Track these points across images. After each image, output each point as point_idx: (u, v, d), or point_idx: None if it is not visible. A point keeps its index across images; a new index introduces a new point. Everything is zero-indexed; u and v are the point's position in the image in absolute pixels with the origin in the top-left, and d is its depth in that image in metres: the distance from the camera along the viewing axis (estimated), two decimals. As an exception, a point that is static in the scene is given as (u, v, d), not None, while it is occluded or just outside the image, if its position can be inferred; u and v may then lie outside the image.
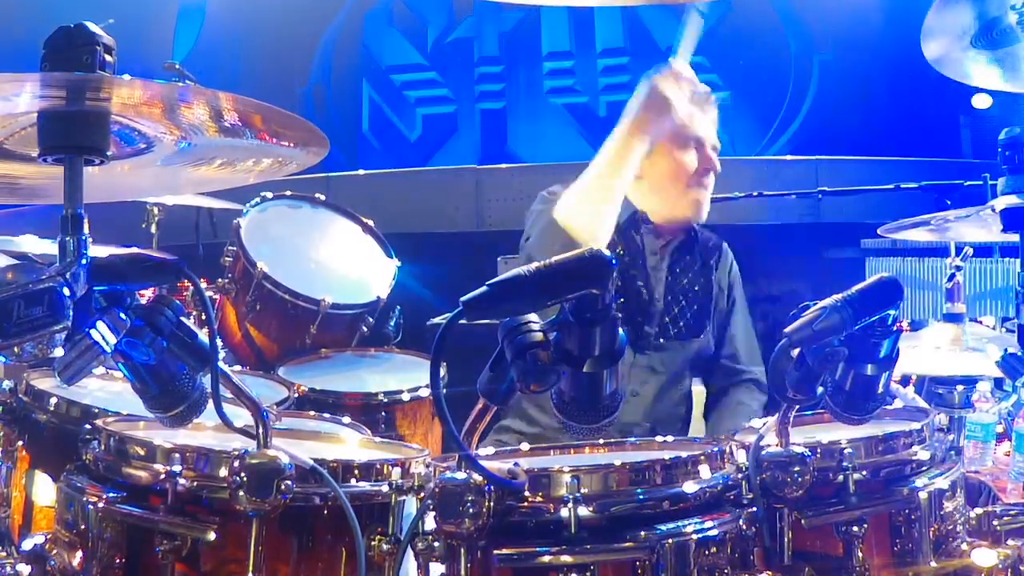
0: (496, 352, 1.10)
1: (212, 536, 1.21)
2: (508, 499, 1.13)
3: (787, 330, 1.20)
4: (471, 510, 1.10)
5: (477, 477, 1.11)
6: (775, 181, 4.29)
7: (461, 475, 1.12)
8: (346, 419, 1.93)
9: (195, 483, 1.24)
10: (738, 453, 1.31)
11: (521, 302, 1.07)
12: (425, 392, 2.45)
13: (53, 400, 1.73)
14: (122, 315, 1.13)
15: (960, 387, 2.30)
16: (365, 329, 2.78)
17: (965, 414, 2.30)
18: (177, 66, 4.05)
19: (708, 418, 2.55)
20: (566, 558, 1.10)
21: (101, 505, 1.26)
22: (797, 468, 1.24)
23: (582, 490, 1.14)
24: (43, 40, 1.20)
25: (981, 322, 2.80)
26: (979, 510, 1.43)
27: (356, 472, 1.31)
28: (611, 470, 1.19)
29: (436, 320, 3.45)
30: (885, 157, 4.94)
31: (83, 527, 1.28)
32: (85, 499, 1.28)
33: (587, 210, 2.14)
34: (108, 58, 1.20)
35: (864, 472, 1.31)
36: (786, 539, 1.26)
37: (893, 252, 3.85)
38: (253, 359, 2.72)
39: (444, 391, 1.15)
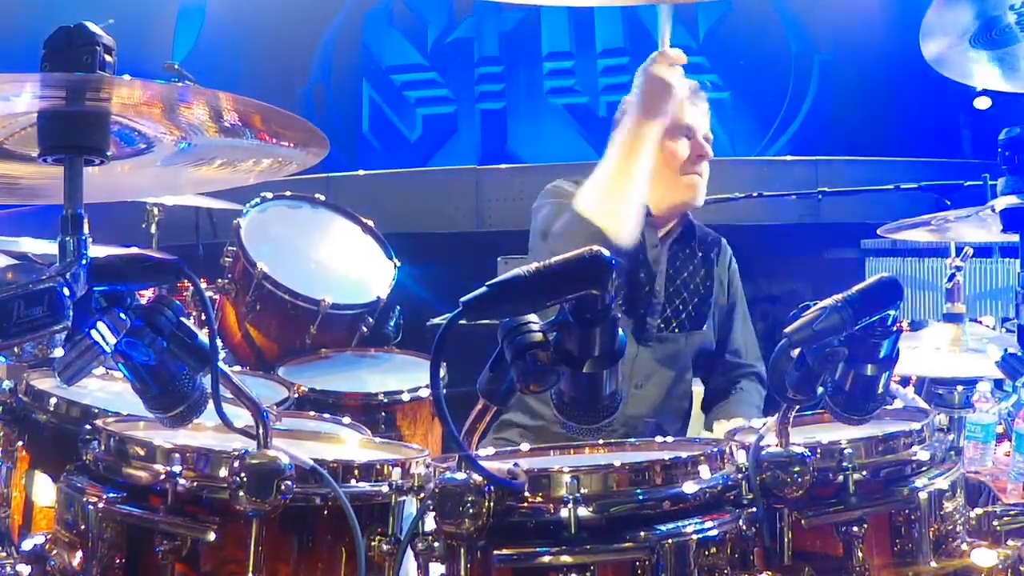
0: (496, 352, 1.10)
1: (212, 536, 1.21)
2: (508, 499, 1.13)
3: (787, 330, 1.20)
4: (471, 510, 1.10)
5: (477, 477, 1.11)
6: (775, 181, 4.29)
7: (461, 475, 1.12)
8: (346, 419, 1.93)
9: (195, 483, 1.24)
10: (738, 453, 1.31)
11: (521, 302, 1.07)
12: (425, 392, 2.45)
13: (53, 400, 1.73)
14: (122, 315, 1.13)
15: (960, 387, 2.30)
16: (365, 329, 2.77)
17: (965, 414, 2.30)
18: (177, 66, 4.06)
19: (709, 410, 2.56)
20: (566, 558, 1.10)
21: (101, 505, 1.26)
22: (797, 468, 1.24)
23: (582, 490, 1.14)
24: (43, 40, 1.20)
25: (981, 322, 2.80)
26: (979, 510, 1.43)
27: (356, 472, 1.31)
28: (611, 470, 1.19)
29: (436, 320, 3.45)
30: (885, 157, 4.94)
31: (83, 527, 1.28)
32: (85, 499, 1.28)
33: (610, 201, 2.14)
34: (108, 58, 1.20)
35: (864, 472, 1.31)
36: (786, 539, 1.26)
37: (893, 252, 3.85)
38: (253, 359, 2.72)
39: (444, 391, 1.15)
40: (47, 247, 2.80)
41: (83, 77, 1.17)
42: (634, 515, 1.15)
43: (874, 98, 5.72)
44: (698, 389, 2.64)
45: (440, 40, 6.44)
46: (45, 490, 1.69)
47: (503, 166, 5.48)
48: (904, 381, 2.54)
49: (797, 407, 1.27)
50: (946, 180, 3.53)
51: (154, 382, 1.19)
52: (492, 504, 1.11)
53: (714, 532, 1.17)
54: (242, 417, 1.26)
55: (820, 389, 1.26)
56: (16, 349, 1.13)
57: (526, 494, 1.15)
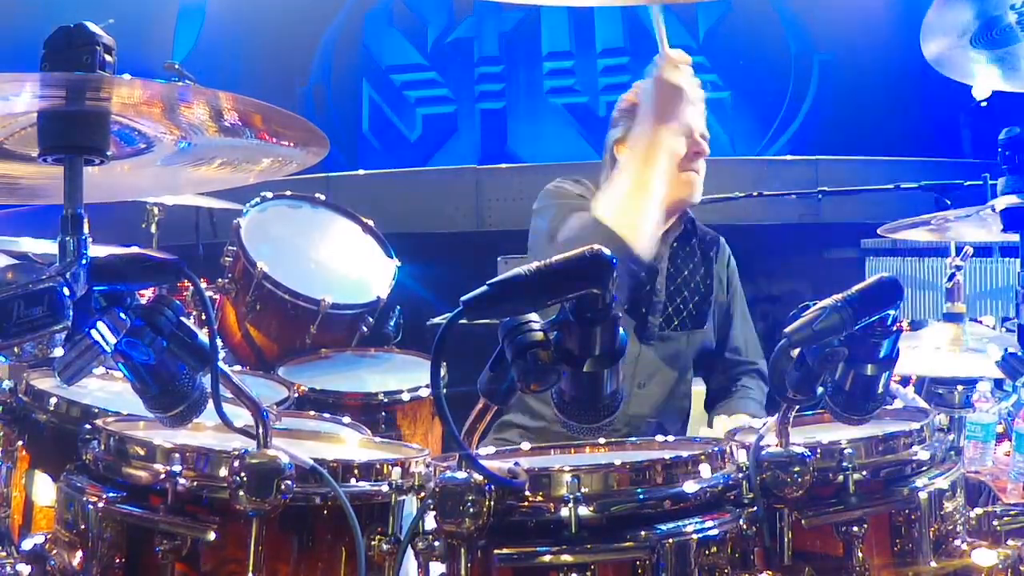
0: (496, 352, 1.10)
1: (212, 536, 1.21)
2: (508, 499, 1.13)
3: (787, 330, 1.20)
4: (471, 510, 1.10)
5: (477, 477, 1.11)
6: (775, 181, 4.29)
7: (461, 475, 1.12)
8: (346, 419, 1.93)
9: (195, 483, 1.24)
10: (738, 453, 1.31)
11: (521, 302, 1.07)
12: (425, 392, 2.45)
13: (53, 400, 1.73)
14: (122, 315, 1.13)
15: (960, 387, 2.30)
16: (365, 329, 2.78)
17: (965, 414, 2.30)
18: (177, 66, 4.06)
19: (711, 408, 2.57)
20: (566, 558, 1.10)
21: (101, 505, 1.26)
22: (797, 468, 1.24)
23: (582, 490, 1.14)
24: (43, 40, 1.20)
25: (981, 322, 2.80)
26: (979, 510, 1.43)
27: (356, 472, 1.31)
28: (611, 470, 1.19)
29: (436, 320, 3.45)
30: (885, 157, 4.94)
31: (83, 527, 1.27)
32: (85, 499, 1.28)
33: (631, 214, 2.13)
34: (108, 58, 1.20)
35: (864, 472, 1.31)
36: (786, 539, 1.26)
37: (893, 252, 3.85)
38: (253, 359, 2.72)
39: (444, 391, 1.15)
40: (47, 247, 2.80)
41: (83, 77, 1.17)
42: (635, 514, 1.15)
43: (874, 98, 5.72)
44: (699, 388, 2.64)
45: (440, 40, 6.44)
46: (45, 490, 1.69)
47: (503, 166, 5.48)
48: (904, 381, 2.54)
49: (797, 407, 1.27)
50: (946, 180, 3.53)
51: (154, 382, 1.19)
52: (492, 503, 1.11)
53: (714, 532, 1.17)
54: (242, 417, 1.26)
55: (820, 389, 1.26)
56: (16, 349, 1.13)
57: (527, 493, 1.15)
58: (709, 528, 1.17)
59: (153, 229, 3.78)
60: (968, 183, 3.41)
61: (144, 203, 3.71)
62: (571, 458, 1.48)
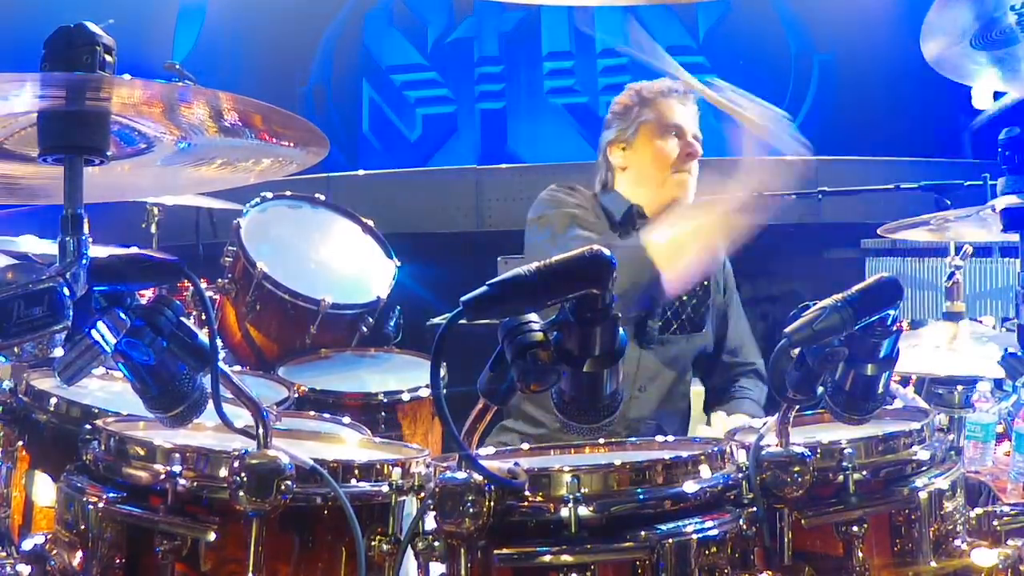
0: (496, 352, 1.10)
1: (212, 536, 1.21)
2: (508, 499, 1.13)
3: (787, 330, 1.20)
4: (471, 510, 1.10)
5: (477, 477, 1.11)
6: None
7: (461, 475, 1.12)
8: (346, 419, 1.93)
9: (195, 483, 1.24)
10: (738, 453, 1.31)
11: (521, 302, 1.07)
12: (425, 392, 2.45)
13: (53, 400, 1.73)
14: (122, 315, 1.13)
15: (960, 387, 2.30)
16: (365, 329, 2.78)
17: (965, 414, 2.30)
18: (177, 66, 4.05)
19: (710, 409, 2.57)
20: (566, 558, 1.10)
21: (101, 505, 1.26)
22: (797, 468, 1.24)
23: (582, 490, 1.14)
24: (43, 40, 1.20)
25: (981, 322, 2.80)
26: (979, 510, 1.43)
27: (356, 472, 1.31)
28: (611, 470, 1.19)
29: (436, 320, 3.45)
30: (885, 157, 4.94)
31: (83, 527, 1.27)
32: (85, 499, 1.28)
33: (681, 251, 2.17)
34: (108, 58, 1.20)
35: (864, 472, 1.31)
36: (786, 539, 1.26)
37: (893, 252, 3.85)
38: (253, 359, 2.72)
39: (444, 391, 1.15)
40: (47, 247, 2.80)
41: (83, 77, 1.17)
42: (635, 514, 1.15)
43: (874, 98, 5.72)
44: (698, 389, 2.64)
45: (440, 40, 6.44)
46: (45, 490, 1.69)
47: (503, 166, 5.48)
48: (904, 381, 2.54)
49: (797, 407, 1.27)
50: (946, 180, 3.53)
51: (154, 382, 1.19)
52: (492, 503, 1.11)
53: (714, 532, 1.17)
54: (242, 417, 1.26)
55: (820, 389, 1.26)
56: (16, 349, 1.13)
57: (526, 493, 1.15)
58: (709, 528, 1.16)
59: (153, 229, 3.78)
60: (968, 183, 3.41)
61: (144, 203, 3.71)
62: (571, 458, 1.48)
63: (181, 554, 1.21)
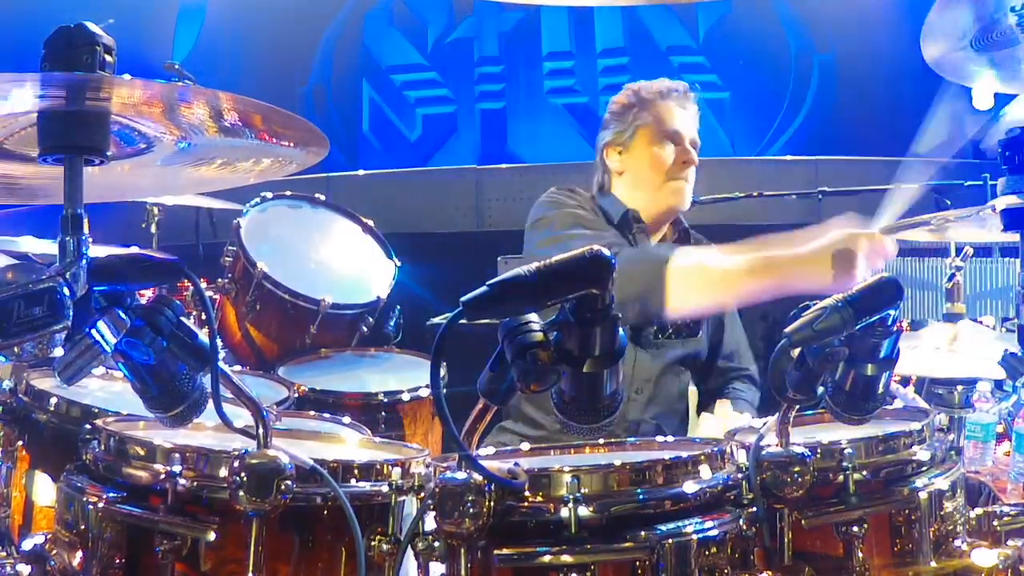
0: (496, 352, 1.10)
1: (212, 536, 1.21)
2: (508, 499, 1.13)
3: (787, 330, 1.20)
4: (471, 510, 1.10)
5: (477, 477, 1.11)
6: (775, 181, 4.29)
7: (461, 475, 1.12)
8: (346, 419, 1.93)
9: (195, 483, 1.24)
10: (738, 453, 1.31)
11: (521, 302, 1.07)
12: (425, 392, 2.45)
13: (53, 400, 1.73)
14: (122, 315, 1.13)
15: (960, 387, 2.30)
16: (365, 329, 2.78)
17: (965, 414, 2.30)
18: (177, 66, 4.06)
19: (702, 411, 2.57)
20: (566, 558, 1.10)
21: (101, 505, 1.26)
22: (797, 468, 1.24)
23: (582, 490, 1.14)
24: (43, 40, 1.20)
25: (981, 322, 2.80)
26: (979, 510, 1.43)
27: (356, 472, 1.31)
28: (611, 470, 1.18)
29: (436, 320, 3.45)
30: (885, 157, 4.94)
31: (83, 527, 1.27)
32: (85, 499, 1.28)
33: (703, 286, 2.11)
34: (108, 58, 1.20)
35: (864, 472, 1.30)
36: (786, 539, 1.26)
37: (893, 252, 3.84)
38: (253, 359, 2.72)
39: (444, 391, 1.15)
40: (47, 247, 2.80)
41: (83, 77, 1.17)
42: (635, 515, 1.15)
43: (874, 98, 5.73)
44: (693, 389, 2.64)
45: (440, 40, 6.44)
46: (45, 490, 1.69)
47: (503, 166, 5.48)
48: (904, 381, 2.54)
49: (797, 407, 1.27)
50: (946, 180, 3.53)
51: (154, 382, 1.19)
52: (492, 504, 1.11)
53: (714, 532, 1.17)
54: (242, 417, 1.26)
55: (820, 389, 1.26)
56: (16, 349, 1.13)
57: (526, 494, 1.15)
58: (709, 528, 1.16)
59: (153, 229, 3.78)
60: (968, 183, 3.41)
61: (144, 203, 3.71)
62: (571, 458, 1.48)
63: (181, 554, 1.21)
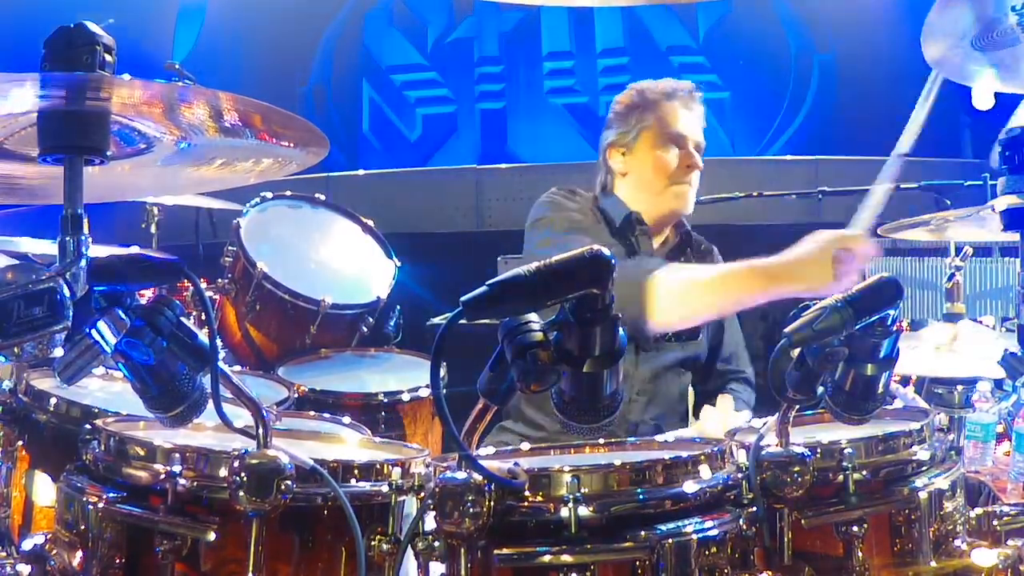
0: (496, 352, 1.10)
1: (212, 536, 1.20)
2: (508, 499, 1.13)
3: (787, 330, 1.20)
4: (471, 510, 1.10)
5: (477, 477, 1.11)
6: (775, 181, 4.29)
7: (461, 475, 1.12)
8: (346, 419, 1.93)
9: (195, 483, 1.24)
10: (738, 453, 1.31)
11: (521, 302, 1.07)
12: (425, 392, 2.45)
13: (53, 400, 1.73)
14: (122, 315, 1.13)
15: (960, 387, 2.30)
16: (365, 329, 2.78)
17: (965, 414, 2.30)
18: (177, 66, 4.06)
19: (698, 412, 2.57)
20: (566, 558, 1.10)
21: (101, 505, 1.26)
22: (797, 468, 1.24)
23: (582, 490, 1.14)
24: (43, 40, 1.20)
25: (981, 322, 2.80)
26: (979, 510, 1.43)
27: (356, 472, 1.31)
28: (611, 470, 1.18)
29: (436, 320, 3.45)
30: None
31: (83, 527, 1.27)
32: (85, 499, 1.28)
33: (685, 300, 2.10)
34: (108, 58, 1.20)
35: (864, 472, 1.30)
36: (786, 539, 1.26)
37: (893, 252, 3.84)
38: (253, 359, 2.72)
39: (444, 391, 1.15)
40: (47, 247, 2.80)
41: (83, 77, 1.17)
42: (635, 514, 1.15)
43: (874, 98, 5.72)
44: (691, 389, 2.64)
45: (440, 40, 6.44)
46: (45, 490, 1.69)
47: (503, 166, 5.48)
48: (904, 381, 2.54)
49: (797, 407, 1.27)
50: (946, 180, 3.53)
51: (154, 382, 1.19)
52: (492, 503, 1.11)
53: (714, 532, 1.17)
54: (242, 417, 1.25)
55: (820, 389, 1.26)
56: (16, 349, 1.13)
57: (526, 493, 1.15)
58: (709, 528, 1.16)
59: (153, 229, 3.78)
60: (968, 183, 3.41)
61: (144, 203, 3.71)
62: (571, 458, 1.48)
63: (181, 554, 1.21)
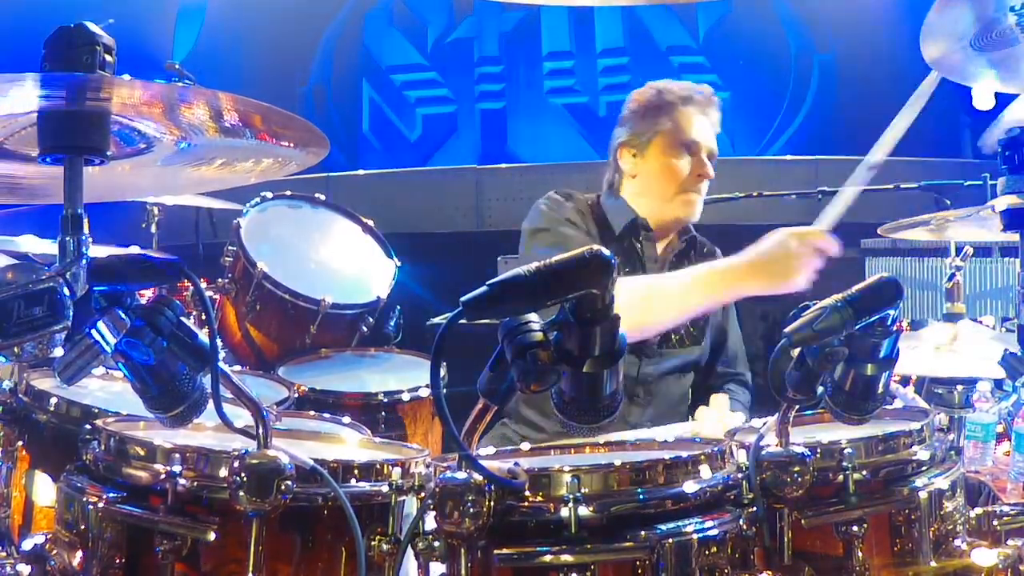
0: (496, 352, 1.10)
1: (212, 536, 1.20)
2: (508, 499, 1.13)
3: (787, 330, 1.20)
4: (471, 510, 1.10)
5: (477, 477, 1.11)
6: (775, 181, 4.29)
7: (461, 475, 1.12)
8: (346, 419, 1.93)
9: (195, 483, 1.24)
10: (738, 453, 1.31)
11: (521, 302, 1.07)
12: (425, 392, 2.45)
13: (53, 400, 1.73)
14: (122, 315, 1.13)
15: (960, 387, 2.30)
16: (365, 329, 2.78)
17: (965, 414, 2.30)
18: (177, 66, 4.06)
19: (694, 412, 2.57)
20: (566, 558, 1.10)
21: (101, 505, 1.26)
22: (797, 468, 1.24)
23: (582, 490, 1.14)
24: (43, 40, 1.20)
25: (981, 322, 2.80)
26: (979, 510, 1.43)
27: (356, 472, 1.31)
28: (611, 470, 1.18)
29: (436, 320, 3.45)
30: (885, 157, 4.93)
31: (83, 527, 1.27)
32: (85, 499, 1.28)
33: (651, 306, 2.09)
34: (108, 58, 1.20)
35: (864, 472, 1.30)
36: (786, 539, 1.26)
37: (893, 252, 3.85)
38: (253, 359, 2.72)
39: (444, 391, 1.15)
40: (47, 247, 2.80)
41: (83, 77, 1.17)
42: (635, 514, 1.15)
43: (874, 98, 5.72)
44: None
45: (440, 40, 6.44)
46: (45, 490, 1.69)
47: (503, 166, 5.48)
48: (904, 381, 2.54)
49: (797, 407, 1.27)
50: (946, 180, 3.53)
51: (154, 382, 1.19)
52: (492, 503, 1.11)
53: (714, 532, 1.17)
54: (242, 417, 1.26)
55: (820, 389, 1.26)
56: (16, 349, 1.13)
57: (526, 493, 1.15)
58: (709, 528, 1.16)
59: (153, 229, 3.78)
60: (968, 183, 3.41)
61: (144, 203, 3.71)
62: (571, 458, 1.48)
63: (181, 554, 1.21)
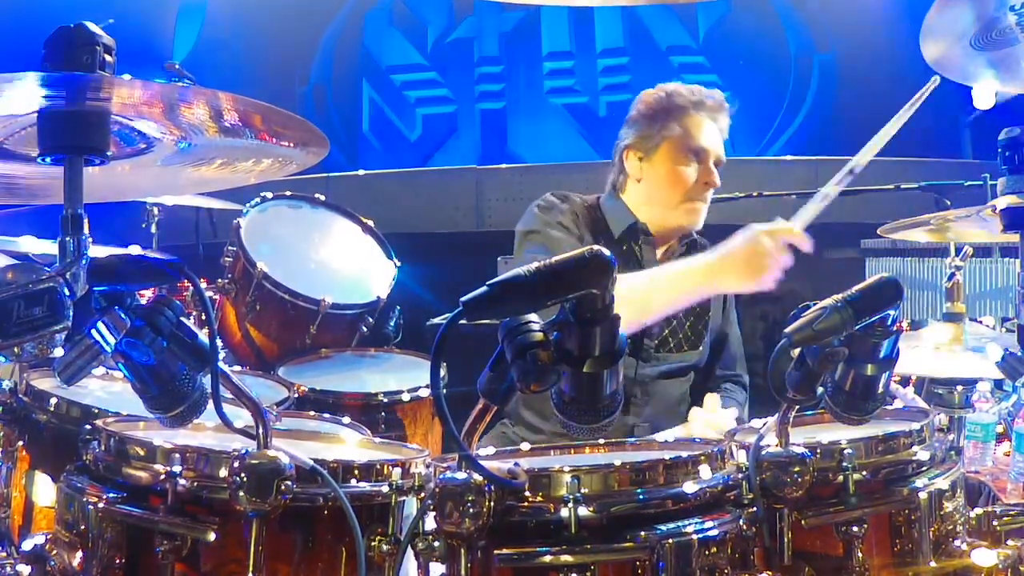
0: (496, 352, 1.10)
1: (212, 536, 1.21)
2: (508, 499, 1.13)
3: (787, 330, 1.20)
4: (471, 510, 1.10)
5: (477, 477, 1.11)
6: (775, 181, 4.29)
7: (461, 475, 1.12)
8: (346, 419, 1.93)
9: (195, 483, 1.24)
10: (738, 453, 1.31)
11: (521, 302, 1.07)
12: (425, 392, 2.45)
13: (53, 400, 1.73)
14: (122, 315, 1.13)
15: (960, 387, 2.30)
16: (365, 329, 2.78)
17: (965, 414, 2.30)
18: (177, 66, 4.06)
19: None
20: (566, 558, 1.10)
21: (101, 505, 1.26)
22: (797, 468, 1.24)
23: (582, 490, 1.14)
24: (43, 40, 1.20)
25: (981, 322, 2.80)
26: (979, 510, 1.43)
27: (356, 472, 1.31)
28: (611, 470, 1.18)
29: (436, 320, 3.45)
30: (885, 157, 4.93)
31: (83, 527, 1.27)
32: (85, 499, 1.28)
33: (635, 302, 2.06)
34: (108, 58, 1.20)
35: (864, 472, 1.30)
36: (786, 539, 1.26)
37: (893, 252, 3.85)
38: (253, 359, 2.72)
39: (444, 391, 1.15)
40: (47, 247, 2.80)
41: (83, 77, 1.17)
42: (635, 515, 1.15)
43: (874, 98, 5.72)
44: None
45: (440, 40, 6.45)
46: (45, 490, 1.69)
47: (503, 166, 5.48)
48: (904, 381, 2.54)
49: (797, 407, 1.27)
50: (946, 180, 3.53)
51: (154, 382, 1.19)
52: (492, 504, 1.11)
53: (714, 532, 1.17)
54: (242, 417, 1.26)
55: (820, 389, 1.26)
56: (16, 349, 1.13)
57: (526, 494, 1.15)
58: (709, 528, 1.16)
59: (153, 229, 3.78)
60: (968, 183, 3.41)
61: (144, 203, 3.71)
62: (571, 458, 1.48)
63: (181, 554, 1.21)
